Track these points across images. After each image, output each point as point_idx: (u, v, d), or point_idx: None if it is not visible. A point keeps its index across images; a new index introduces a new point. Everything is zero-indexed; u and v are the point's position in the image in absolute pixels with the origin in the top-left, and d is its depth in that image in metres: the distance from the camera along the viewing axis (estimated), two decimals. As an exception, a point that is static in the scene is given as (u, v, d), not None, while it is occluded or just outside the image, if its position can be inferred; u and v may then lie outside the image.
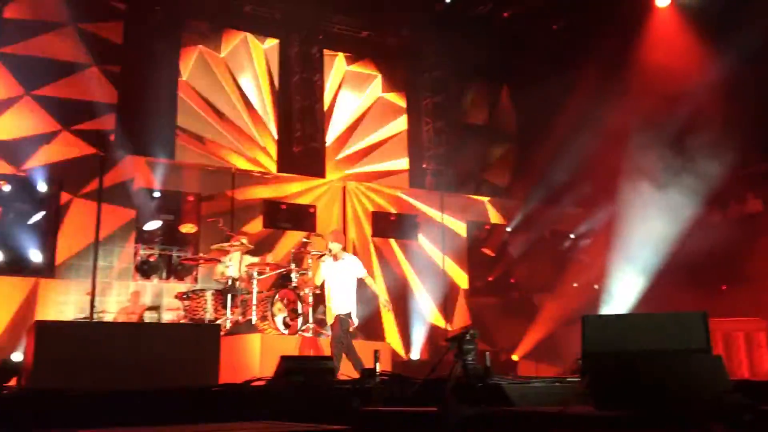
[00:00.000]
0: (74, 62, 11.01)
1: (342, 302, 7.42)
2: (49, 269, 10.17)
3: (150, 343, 5.42)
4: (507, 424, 4.01)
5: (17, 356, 9.12)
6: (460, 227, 13.58)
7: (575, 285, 13.77)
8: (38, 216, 10.17)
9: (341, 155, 13.52)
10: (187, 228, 10.95)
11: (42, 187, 10.23)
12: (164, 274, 10.92)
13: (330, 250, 7.51)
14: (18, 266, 10.06)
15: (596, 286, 13.61)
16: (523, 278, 13.80)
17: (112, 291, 10.37)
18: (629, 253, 11.76)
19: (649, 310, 10.16)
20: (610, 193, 11.96)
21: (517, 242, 13.90)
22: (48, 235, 10.26)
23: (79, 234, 10.34)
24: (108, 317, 9.62)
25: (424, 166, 13.99)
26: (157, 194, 10.91)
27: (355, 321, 7.60)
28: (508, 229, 13.87)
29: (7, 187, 10.09)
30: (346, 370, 6.79)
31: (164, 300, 10.53)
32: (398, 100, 14.36)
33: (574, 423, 3.37)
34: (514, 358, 12.61)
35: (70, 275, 10.21)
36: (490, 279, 13.70)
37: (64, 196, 10.41)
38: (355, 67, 14.06)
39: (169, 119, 11.73)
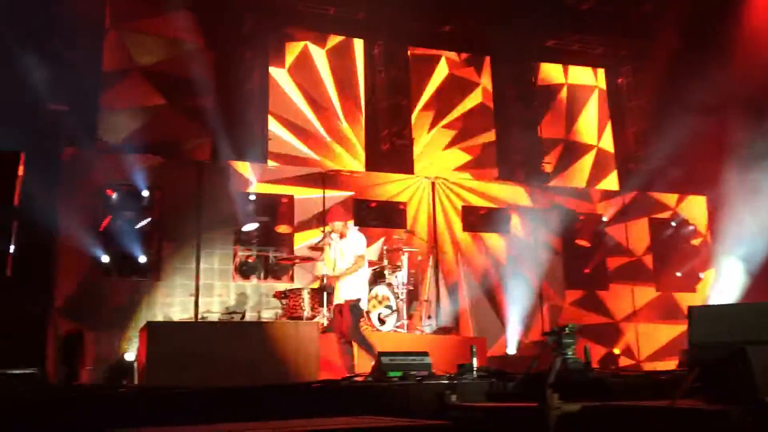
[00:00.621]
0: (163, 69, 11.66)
1: (350, 286, 6.99)
2: (155, 272, 10.70)
3: (252, 341, 5.62)
4: (611, 420, 3.90)
5: (129, 356, 9.67)
6: (553, 218, 13.29)
7: (678, 275, 13.22)
8: (144, 222, 10.72)
9: (429, 151, 13.51)
10: (283, 229, 11.25)
11: (146, 194, 10.76)
12: (262, 274, 11.27)
13: (331, 232, 7.20)
14: (127, 270, 10.64)
15: (701, 275, 13.00)
16: (622, 269, 13.36)
17: (214, 292, 10.79)
18: (735, 240, 11.17)
19: (757, 300, 9.61)
20: (715, 177, 11.40)
21: (614, 232, 13.47)
22: (153, 239, 10.79)
23: (181, 238, 10.82)
24: (212, 317, 10.02)
25: (515, 156, 13.77)
26: (253, 197, 11.28)
27: (364, 306, 7.20)
28: (605, 219, 13.46)
29: (114, 196, 10.67)
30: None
31: (262, 299, 10.89)
32: (485, 82, 14.22)
33: (682, 418, 3.24)
34: (616, 351, 12.24)
35: (175, 278, 10.71)
36: (586, 271, 13.33)
37: (167, 203, 10.93)
38: (441, 61, 14.03)
39: (261, 124, 12.10)
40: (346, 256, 7.09)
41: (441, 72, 13.98)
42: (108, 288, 10.38)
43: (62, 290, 10.07)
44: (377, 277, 8.73)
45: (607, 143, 14.85)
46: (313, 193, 11.67)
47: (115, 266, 10.50)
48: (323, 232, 7.36)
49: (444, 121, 13.73)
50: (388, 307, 8.43)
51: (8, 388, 7.43)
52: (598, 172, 14.59)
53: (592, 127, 14.88)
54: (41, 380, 9.20)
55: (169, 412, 4.69)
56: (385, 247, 9.27)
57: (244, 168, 11.36)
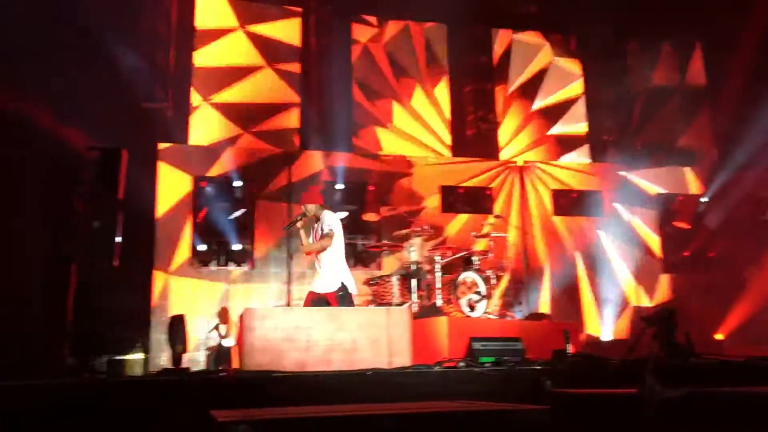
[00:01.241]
0: (249, 65, 11.91)
1: (330, 275, 6.68)
2: (249, 261, 11.05)
3: (345, 326, 5.72)
4: (714, 406, 3.73)
5: (227, 342, 10.04)
6: (649, 200, 12.81)
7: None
8: (238, 213, 11.07)
9: (515, 134, 13.28)
10: (370, 217, 11.36)
11: (238, 185, 11.12)
12: (351, 262, 11.40)
13: (305, 214, 6.84)
14: (223, 259, 11.04)
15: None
16: (723, 252, 12.72)
17: (305, 279, 11.04)
18: None
19: None
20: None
21: (714, 213, 12.84)
22: (247, 229, 11.15)
23: (273, 227, 11.12)
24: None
25: (605, 138, 13.34)
26: (340, 186, 11.44)
27: (353, 290, 6.79)
28: (704, 200, 12.84)
29: (209, 188, 11.07)
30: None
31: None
32: (573, 67, 13.79)
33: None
34: (719, 336, 11.70)
35: (268, 266, 11.03)
36: (685, 254, 12.78)
37: (258, 193, 11.25)
38: (524, 38, 13.71)
39: (345, 112, 12.24)
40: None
41: (538, 57, 13.68)
42: (205, 276, 10.80)
43: (162, 280, 10.58)
44: (466, 263, 8.69)
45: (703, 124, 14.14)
46: (399, 181, 11.73)
47: (212, 255, 10.91)
48: (296, 217, 6.89)
49: (536, 106, 13.45)
50: (478, 293, 8.37)
51: (119, 372, 7.89)
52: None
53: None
54: (148, 364, 9.74)
55: (268, 396, 4.84)
56: (473, 233, 9.19)
57: (331, 158, 11.55)
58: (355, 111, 12.52)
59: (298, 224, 6.72)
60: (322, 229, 6.75)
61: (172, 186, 10.89)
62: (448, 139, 12.92)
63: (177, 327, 6.81)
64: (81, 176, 5.79)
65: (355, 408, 3.65)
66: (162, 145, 10.92)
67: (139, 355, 10.17)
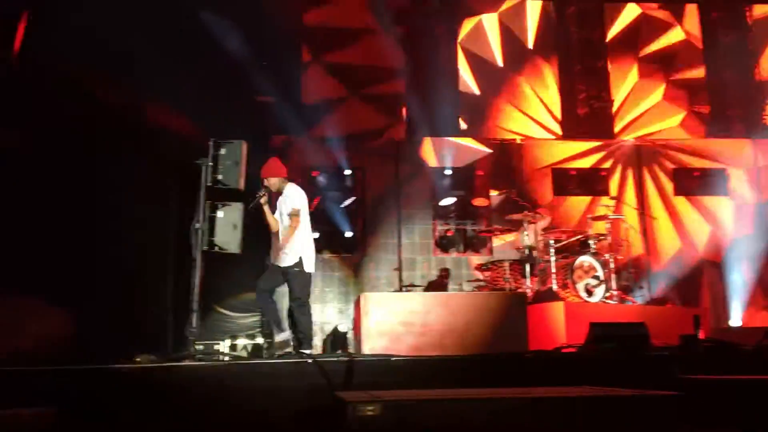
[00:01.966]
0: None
1: (288, 249, 6.23)
2: (361, 248, 11.25)
3: (461, 312, 5.71)
4: None
5: (343, 327, 10.27)
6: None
7: None
8: (349, 201, 11.29)
9: (631, 112, 12.73)
10: (480, 201, 11.26)
11: (348, 173, 11.33)
12: (461, 248, 11.38)
13: (268, 188, 6.40)
14: (336, 246, 11.30)
15: None
16: None
17: (416, 266, 11.12)
18: None
19: None
20: None
21: None
22: (358, 217, 11.35)
23: (383, 214, 11.26)
24: (415, 291, 10.33)
25: (729, 113, 12.54)
26: (448, 171, 11.41)
27: (311, 268, 6.31)
28: None
29: (320, 178, 11.34)
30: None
31: (463, 272, 11.02)
32: (693, 39, 13.04)
33: None
34: None
35: (379, 253, 11.19)
36: (822, 233, 11.82)
37: (368, 182, 11.41)
38: (644, 11, 13.10)
39: (452, 96, 12.16)
40: (285, 215, 6.40)
41: (664, 32, 13.06)
42: (319, 264, 11.08)
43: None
44: (582, 247, 8.44)
45: None
46: (508, 165, 11.55)
47: (325, 243, 11.19)
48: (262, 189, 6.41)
49: (648, 79, 12.85)
50: (596, 277, 8.12)
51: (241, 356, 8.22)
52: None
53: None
54: (268, 348, 10.09)
55: (387, 379, 4.92)
56: (589, 216, 8.92)
57: (439, 143, 11.53)
58: (462, 94, 12.42)
59: (262, 200, 6.29)
60: (286, 206, 6.33)
61: (291, 176, 11.22)
62: (558, 119, 12.56)
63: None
64: (205, 169, 6.07)
65: (482, 392, 3.65)
66: (276, 137, 11.28)
67: (260, 340, 10.55)
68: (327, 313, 10.70)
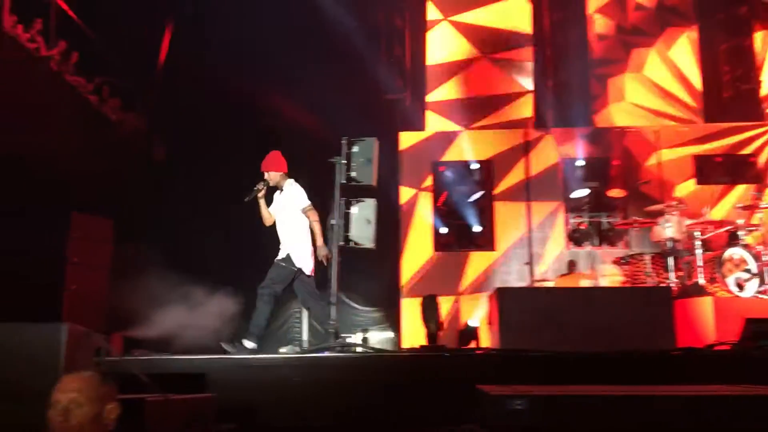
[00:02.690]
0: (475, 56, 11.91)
1: (296, 247, 6.04)
2: (490, 242, 11.14)
3: (602, 306, 5.51)
4: None
5: (473, 322, 10.21)
6: None
7: None
8: (477, 195, 11.21)
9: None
10: (615, 192, 10.81)
11: (475, 167, 11.25)
12: (596, 241, 10.98)
13: (267, 181, 6.16)
14: (465, 241, 11.26)
15: None
16: None
17: (547, 260, 10.86)
18: None
19: None
20: None
21: None
22: (486, 211, 11.24)
23: (512, 208, 11.09)
24: (548, 285, 10.09)
25: None
26: (580, 162, 11.05)
27: (306, 268, 6.09)
28: None
29: (447, 173, 11.33)
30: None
31: (597, 266, 10.62)
32: None
33: None
34: None
35: (509, 247, 11.02)
36: None
37: (496, 174, 11.27)
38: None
39: (582, 85, 11.75)
40: (288, 210, 6.17)
41: None
42: (448, 258, 11.09)
43: (409, 262, 11.09)
44: (731, 238, 7.89)
45: None
46: (646, 152, 10.99)
47: (454, 238, 11.19)
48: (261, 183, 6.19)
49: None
50: (747, 270, 7.56)
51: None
52: None
53: None
54: (397, 342, 10.24)
55: (525, 374, 4.84)
56: (738, 205, 8.32)
57: (570, 134, 11.18)
58: (593, 83, 11.96)
59: (259, 194, 6.12)
60: (291, 202, 6.15)
61: (413, 171, 11.33)
62: (698, 103, 11.81)
63: (430, 306, 7.06)
64: (339, 166, 6.22)
65: (629, 389, 3.50)
66: (402, 134, 11.40)
67: (389, 334, 10.70)
68: (457, 308, 10.67)
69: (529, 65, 11.82)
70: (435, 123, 11.83)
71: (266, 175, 6.19)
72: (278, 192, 6.29)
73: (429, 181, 11.33)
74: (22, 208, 7.49)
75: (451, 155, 11.38)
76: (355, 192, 6.38)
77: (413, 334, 10.35)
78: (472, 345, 9.20)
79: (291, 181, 6.30)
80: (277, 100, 11.66)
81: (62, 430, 2.11)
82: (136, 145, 11.69)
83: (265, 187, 6.15)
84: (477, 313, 10.36)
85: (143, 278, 9.90)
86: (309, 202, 6.14)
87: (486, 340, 8.59)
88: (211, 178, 12.20)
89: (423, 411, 4.66)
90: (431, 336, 6.83)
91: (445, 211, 11.24)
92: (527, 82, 11.82)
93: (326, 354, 5.69)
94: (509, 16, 12.05)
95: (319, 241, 6.02)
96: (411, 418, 4.61)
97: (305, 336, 12.03)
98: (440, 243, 11.18)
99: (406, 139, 11.44)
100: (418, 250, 11.11)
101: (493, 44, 11.96)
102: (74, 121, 9.42)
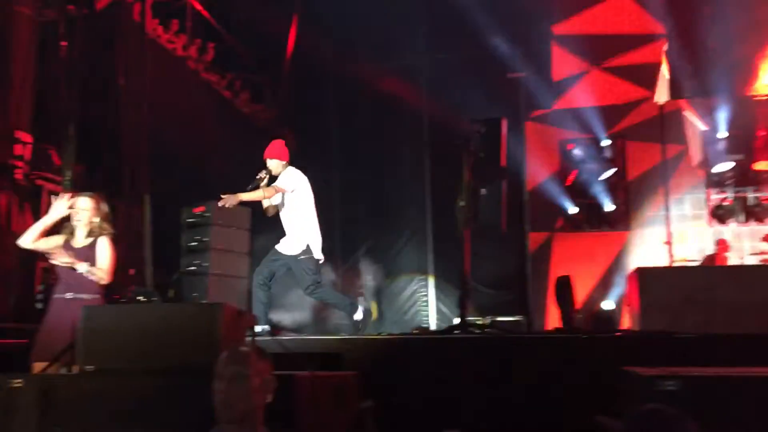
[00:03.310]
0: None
1: (295, 236, 5.76)
2: (623, 222, 10.70)
3: (750, 286, 5.15)
4: None
5: (607, 304, 9.87)
6: None
7: None
8: (608, 172, 10.78)
9: None
10: (762, 166, 10.04)
11: (606, 143, 10.81)
12: (742, 217, 10.27)
13: (269, 171, 5.81)
14: (595, 221, 10.88)
15: None
16: None
17: (688, 238, 10.29)
18: None
19: None
20: None
21: None
22: (619, 189, 10.79)
23: (647, 185, 10.59)
24: (691, 264, 9.57)
25: None
26: (722, 134, 10.35)
27: (318, 255, 5.80)
28: None
29: (577, 150, 10.97)
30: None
31: (744, 244, 9.97)
32: None
33: None
34: None
35: (644, 226, 10.54)
36: None
37: (629, 150, 10.79)
38: None
39: (723, 50, 10.94)
40: (286, 202, 5.86)
41: None
42: (579, 239, 10.77)
43: (537, 244, 10.88)
44: None
45: None
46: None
47: (584, 218, 10.84)
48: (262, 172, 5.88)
49: None
50: None
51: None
52: None
53: None
54: (527, 326, 10.08)
55: (670, 356, 4.62)
56: None
57: (709, 104, 10.48)
58: (735, 47, 11.11)
59: (262, 183, 5.82)
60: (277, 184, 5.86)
61: (539, 150, 11.07)
62: None
63: (564, 288, 6.90)
64: (467, 147, 6.18)
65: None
66: (528, 112, 11.15)
67: (518, 317, 10.56)
68: (590, 291, 10.33)
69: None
70: (562, 99, 11.46)
71: (268, 163, 5.90)
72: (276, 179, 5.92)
73: (556, 160, 11.03)
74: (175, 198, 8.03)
75: (579, 132, 11.00)
76: (485, 173, 6.33)
77: (544, 317, 10.17)
78: (611, 327, 8.89)
79: (291, 167, 5.97)
80: (400, 86, 11.78)
81: (227, 401, 2.26)
82: (268, 137, 12.21)
83: (267, 176, 5.88)
84: (611, 296, 10.01)
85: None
86: (284, 184, 5.77)
87: (623, 322, 8.28)
88: (340, 167, 12.57)
89: (560, 393, 4.58)
90: (565, 319, 6.67)
91: (575, 190, 10.90)
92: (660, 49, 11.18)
93: (458, 335, 5.70)
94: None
95: (245, 197, 5.66)
96: (550, 401, 4.54)
97: (433, 316, 12.17)
98: (570, 223, 10.86)
99: (532, 118, 11.18)
100: (547, 232, 10.87)
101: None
102: (213, 116, 9.97)
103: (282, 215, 5.87)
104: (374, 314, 11.23)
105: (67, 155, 6.61)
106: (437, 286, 12.20)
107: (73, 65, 6.97)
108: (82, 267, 4.22)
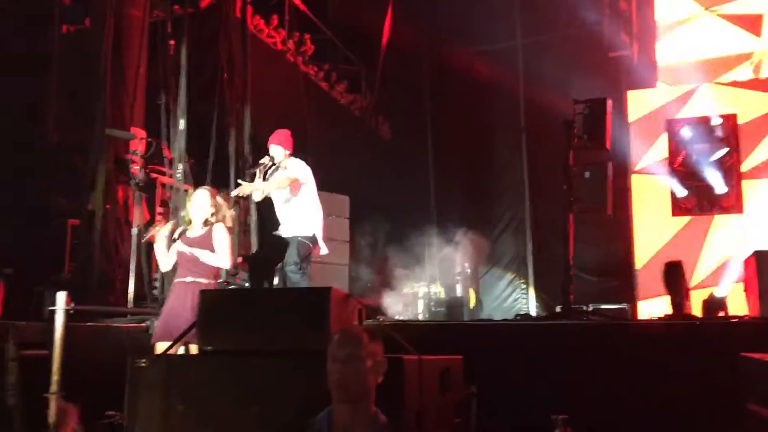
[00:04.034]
0: None
1: (295, 218, 5.61)
2: (736, 205, 10.12)
3: None
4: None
5: (719, 291, 9.38)
6: None
7: None
8: (720, 153, 10.22)
9: None
10: None
11: (717, 123, 10.25)
12: None
13: (273, 158, 5.67)
14: (706, 204, 10.34)
15: None
16: None
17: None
18: None
19: None
20: None
21: None
22: (732, 171, 10.21)
23: (764, 165, 9.98)
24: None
25: None
26: None
27: (322, 247, 5.67)
28: None
29: (686, 130, 10.45)
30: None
31: None
32: None
33: None
34: None
35: (760, 207, 9.94)
36: None
37: (741, 128, 10.18)
38: None
39: None
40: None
41: None
42: (688, 223, 10.29)
43: (643, 229, 10.48)
44: None
45: None
46: None
47: (694, 201, 10.33)
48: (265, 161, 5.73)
49: None
50: None
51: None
52: None
53: None
54: (629, 314, 9.74)
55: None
56: None
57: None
58: None
59: (268, 170, 5.74)
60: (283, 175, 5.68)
61: (644, 131, 10.64)
62: None
63: (674, 273, 6.62)
64: (570, 129, 6.02)
65: None
66: (631, 92, 10.72)
67: (623, 305, 10.24)
68: (700, 276, 9.86)
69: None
70: (667, 78, 10.94)
71: (272, 149, 5.79)
72: (278, 171, 5.80)
73: (663, 141, 10.54)
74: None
75: (687, 112, 10.46)
76: (588, 156, 6.16)
77: (651, 304, 9.79)
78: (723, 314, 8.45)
79: (296, 159, 5.86)
80: (496, 70, 11.62)
81: (342, 382, 2.32)
82: (364, 125, 12.37)
83: (270, 164, 5.79)
84: (723, 282, 9.50)
85: (377, 251, 10.53)
86: (299, 175, 5.68)
87: (737, 310, 7.85)
88: (435, 154, 12.56)
89: (673, 380, 4.42)
90: (677, 305, 6.39)
91: (684, 173, 10.38)
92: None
93: (562, 321, 5.59)
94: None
95: (266, 186, 5.64)
96: (661, 388, 4.39)
97: (532, 303, 11.99)
98: (679, 207, 10.36)
99: (636, 98, 10.74)
100: (653, 216, 10.43)
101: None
102: (310, 107, 10.19)
103: (286, 205, 5.72)
104: (472, 302, 11.20)
105: (178, 149, 6.93)
106: (536, 273, 12.00)
107: (180, 62, 7.28)
108: (202, 254, 4.47)
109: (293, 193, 5.58)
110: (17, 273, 5.77)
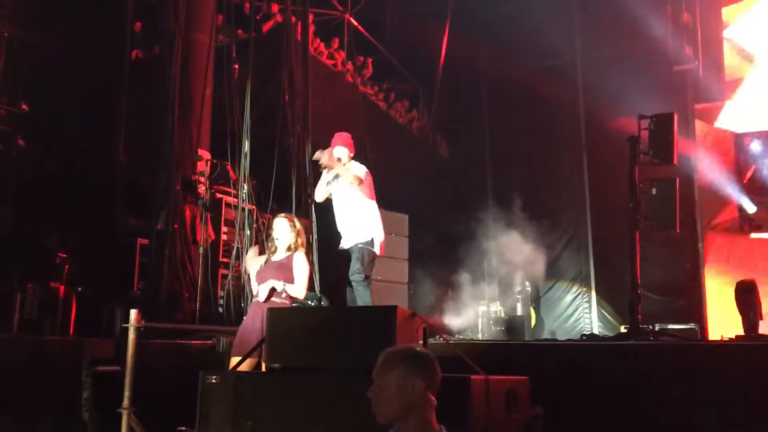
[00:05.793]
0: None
1: (357, 229, 5.57)
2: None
3: None
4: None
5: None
6: None
7: None
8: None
9: None
10: None
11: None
12: None
13: (338, 159, 5.63)
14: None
15: None
16: None
17: None
18: None
19: None
20: None
21: None
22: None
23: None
24: None
25: None
26: None
27: (376, 249, 5.59)
28: None
29: (755, 144, 10.13)
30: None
31: None
32: None
33: None
34: None
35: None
36: None
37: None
38: None
39: None
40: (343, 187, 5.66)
41: None
42: (760, 240, 9.92)
43: (712, 246, 10.15)
44: None
45: None
46: None
47: (766, 217, 9.97)
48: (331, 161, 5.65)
49: None
50: None
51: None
52: None
53: None
54: (700, 335, 9.41)
55: None
56: None
57: None
58: None
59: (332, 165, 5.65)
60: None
61: (712, 145, 10.35)
62: None
63: (747, 293, 6.36)
64: (635, 145, 5.90)
65: None
66: (698, 106, 10.45)
67: (690, 325, 9.91)
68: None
69: None
70: (735, 92, 10.62)
71: (337, 150, 5.74)
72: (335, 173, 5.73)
73: (731, 156, 10.22)
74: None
75: (758, 125, 10.13)
76: (655, 171, 6.02)
77: (721, 325, 9.43)
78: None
79: (354, 161, 5.81)
80: (556, 86, 11.51)
81: (373, 409, 2.27)
82: (422, 144, 12.40)
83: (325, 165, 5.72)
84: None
85: (436, 270, 10.49)
86: (361, 174, 5.63)
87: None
88: (494, 170, 12.48)
89: (745, 401, 4.26)
90: (750, 326, 6.14)
91: (754, 188, 10.03)
92: None
93: (632, 342, 5.45)
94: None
95: (340, 169, 5.61)
96: (732, 410, 4.24)
97: (595, 323, 11.71)
98: (749, 223, 10.01)
99: (703, 112, 10.46)
100: (722, 232, 10.10)
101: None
102: (369, 127, 10.28)
103: (345, 207, 5.70)
104: (533, 321, 11.03)
105: (242, 170, 7.08)
106: (598, 291, 11.74)
107: (245, 85, 7.45)
108: (279, 286, 4.56)
109: (354, 193, 5.59)
110: (87, 291, 5.95)
